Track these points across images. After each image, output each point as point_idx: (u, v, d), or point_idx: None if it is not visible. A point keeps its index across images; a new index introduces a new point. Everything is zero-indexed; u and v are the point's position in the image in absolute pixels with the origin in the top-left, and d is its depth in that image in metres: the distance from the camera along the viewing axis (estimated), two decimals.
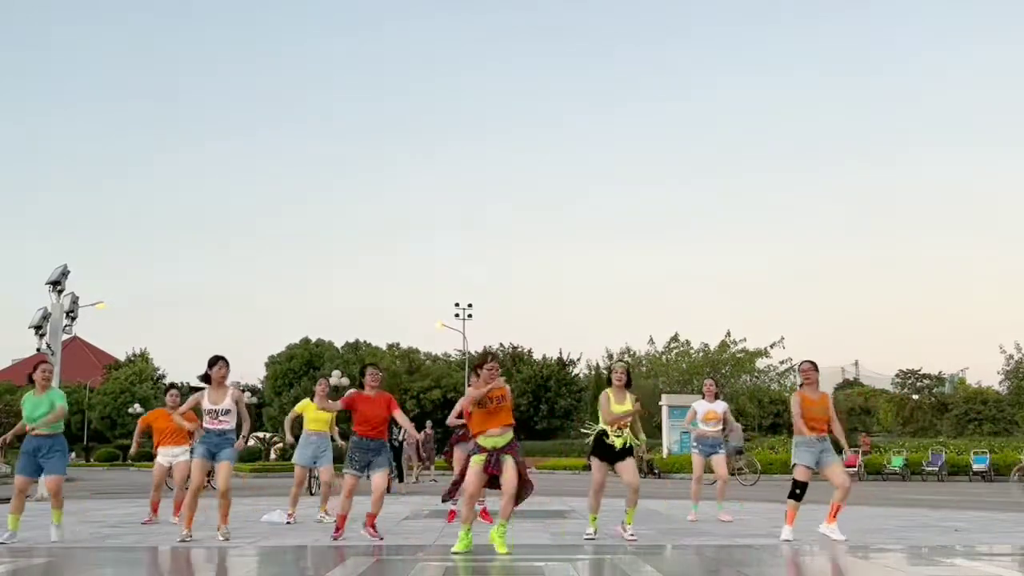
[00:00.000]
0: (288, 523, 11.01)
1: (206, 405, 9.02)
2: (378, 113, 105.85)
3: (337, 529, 8.98)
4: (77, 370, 68.81)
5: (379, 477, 8.86)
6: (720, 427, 11.40)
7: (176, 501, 11.26)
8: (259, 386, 69.47)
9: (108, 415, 67.92)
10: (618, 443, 8.79)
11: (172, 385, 11.79)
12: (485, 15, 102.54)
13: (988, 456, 28.64)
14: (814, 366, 9.18)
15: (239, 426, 9.09)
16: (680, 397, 35.72)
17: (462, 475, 8.17)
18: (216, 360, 9.12)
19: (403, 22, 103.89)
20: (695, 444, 11.62)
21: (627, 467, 8.79)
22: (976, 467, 28.36)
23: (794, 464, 9.04)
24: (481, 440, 7.97)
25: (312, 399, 11.33)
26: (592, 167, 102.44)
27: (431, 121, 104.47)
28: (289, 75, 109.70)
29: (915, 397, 51.33)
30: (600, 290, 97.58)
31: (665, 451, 34.08)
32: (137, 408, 65.74)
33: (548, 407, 53.72)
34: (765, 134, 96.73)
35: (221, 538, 8.91)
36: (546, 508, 11.22)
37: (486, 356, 8.42)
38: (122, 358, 75.58)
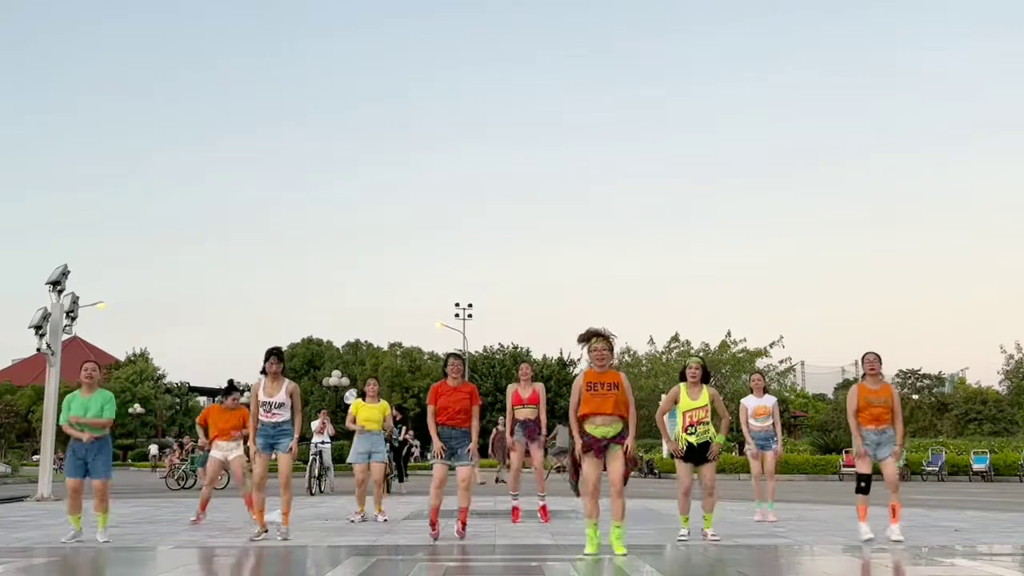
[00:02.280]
0: (352, 520, 11.09)
1: (261, 397, 9.01)
2: (378, 113, 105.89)
3: (432, 525, 8.79)
4: (77, 370, 68.56)
5: (464, 469, 8.72)
6: (770, 422, 11.29)
7: (245, 498, 11.20)
8: None
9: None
10: (693, 440, 8.63)
11: (233, 387, 11.72)
12: (485, 15, 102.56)
13: (988, 456, 28.64)
14: (879, 357, 9.08)
15: (293, 419, 9.09)
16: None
17: (574, 469, 7.91)
18: (270, 354, 9.10)
19: (403, 22, 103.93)
20: (751, 435, 11.45)
21: (706, 470, 8.69)
22: (976, 467, 28.36)
23: (848, 454, 8.94)
24: (589, 428, 7.60)
25: (364, 399, 11.58)
26: (592, 167, 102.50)
27: (431, 121, 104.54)
28: (289, 75, 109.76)
29: (915, 397, 51.37)
30: (600, 290, 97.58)
31: (665, 451, 34.07)
32: (137, 408, 65.82)
33: (548, 407, 53.60)
34: (765, 134, 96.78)
35: (280, 538, 8.86)
36: (550, 508, 11.21)
37: (591, 334, 7.74)
38: (122, 358, 75.55)
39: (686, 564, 7.56)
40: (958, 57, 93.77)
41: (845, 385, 71.49)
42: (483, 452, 20.07)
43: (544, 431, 10.74)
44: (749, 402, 11.51)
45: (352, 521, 11.12)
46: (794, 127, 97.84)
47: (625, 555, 7.44)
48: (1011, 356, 46.41)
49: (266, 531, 8.98)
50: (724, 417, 8.85)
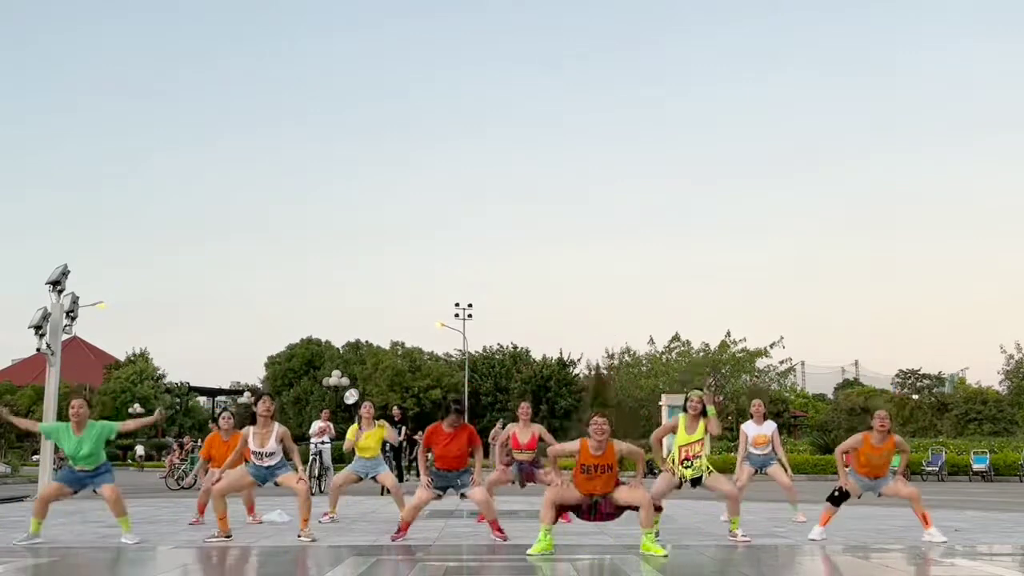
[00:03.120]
0: (320, 521, 11.07)
1: (252, 446, 9.08)
2: (378, 113, 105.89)
3: (400, 530, 8.86)
4: (77, 370, 68.81)
5: (472, 491, 8.78)
6: (769, 449, 11.28)
7: (246, 502, 11.29)
8: (259, 386, 69.44)
9: (108, 415, 67.85)
10: (688, 474, 8.65)
11: (224, 408, 11.81)
12: (485, 15, 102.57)
13: (988, 456, 28.63)
14: (890, 416, 9.05)
15: (287, 456, 9.24)
16: (680, 397, 35.70)
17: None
18: (261, 396, 9.29)
19: (403, 22, 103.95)
20: (747, 459, 11.42)
21: (714, 482, 8.69)
22: (976, 467, 28.35)
23: (844, 475, 8.94)
24: (579, 487, 7.87)
25: (359, 424, 11.37)
26: (592, 167, 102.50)
27: (431, 121, 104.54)
28: (289, 75, 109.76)
29: (915, 397, 51.38)
30: (600, 290, 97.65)
31: (665, 451, 34.06)
32: (137, 408, 65.81)
33: (548, 407, 53.68)
34: (765, 134, 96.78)
35: (308, 539, 8.85)
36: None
37: (595, 412, 8.01)
38: (122, 358, 75.53)
39: (686, 564, 7.56)
40: (958, 57, 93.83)
41: (845, 385, 71.59)
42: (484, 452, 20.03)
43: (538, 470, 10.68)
44: (749, 429, 11.43)
45: (320, 522, 10.89)
46: (794, 127, 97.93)
47: (666, 556, 7.54)
48: (1011, 356, 46.46)
49: (228, 536, 8.96)
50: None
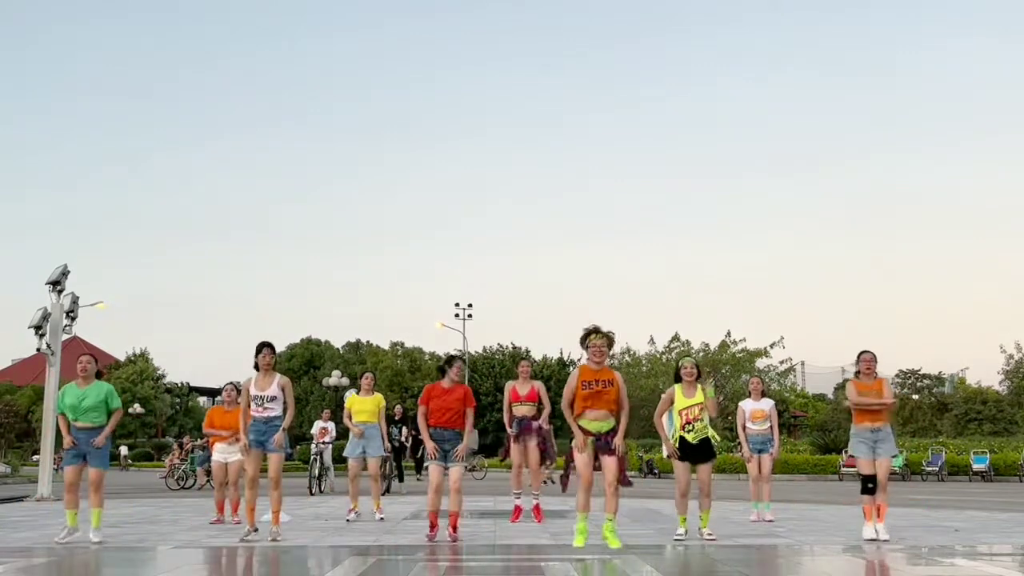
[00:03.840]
0: (348, 520, 11.10)
1: (252, 391, 9.00)
2: (378, 113, 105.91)
3: (432, 527, 8.77)
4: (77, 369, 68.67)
5: (454, 471, 8.64)
6: (767, 425, 11.30)
7: (233, 501, 11.16)
8: None
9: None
10: (691, 438, 8.68)
11: (231, 382, 11.77)
12: (485, 15, 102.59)
13: (988, 456, 28.63)
14: (875, 357, 9.23)
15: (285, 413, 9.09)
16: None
17: (568, 465, 8.10)
18: (262, 347, 9.10)
19: (403, 22, 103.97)
20: (747, 438, 11.46)
21: (702, 469, 8.75)
22: (976, 467, 28.36)
23: (851, 455, 9.01)
24: (583, 423, 7.88)
25: (358, 393, 11.74)
26: (592, 167, 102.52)
27: (431, 121, 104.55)
28: (289, 75, 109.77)
29: (915, 397, 51.37)
30: (600, 290, 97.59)
31: (665, 451, 34.02)
32: (137, 408, 65.81)
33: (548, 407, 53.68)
34: (765, 134, 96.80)
35: (270, 539, 8.77)
36: (546, 508, 11.21)
37: (590, 331, 7.94)
38: (122, 358, 75.53)
39: (685, 564, 7.56)
40: (958, 57, 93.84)
41: (845, 385, 71.54)
42: (494, 449, 20.03)
43: (544, 430, 10.71)
44: (747, 405, 11.52)
45: (348, 520, 11.09)
46: (794, 127, 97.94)
47: (620, 548, 7.54)
48: (1011, 356, 46.48)
49: (256, 530, 8.96)
50: (712, 411, 8.88)
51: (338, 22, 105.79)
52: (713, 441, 8.82)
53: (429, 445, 8.60)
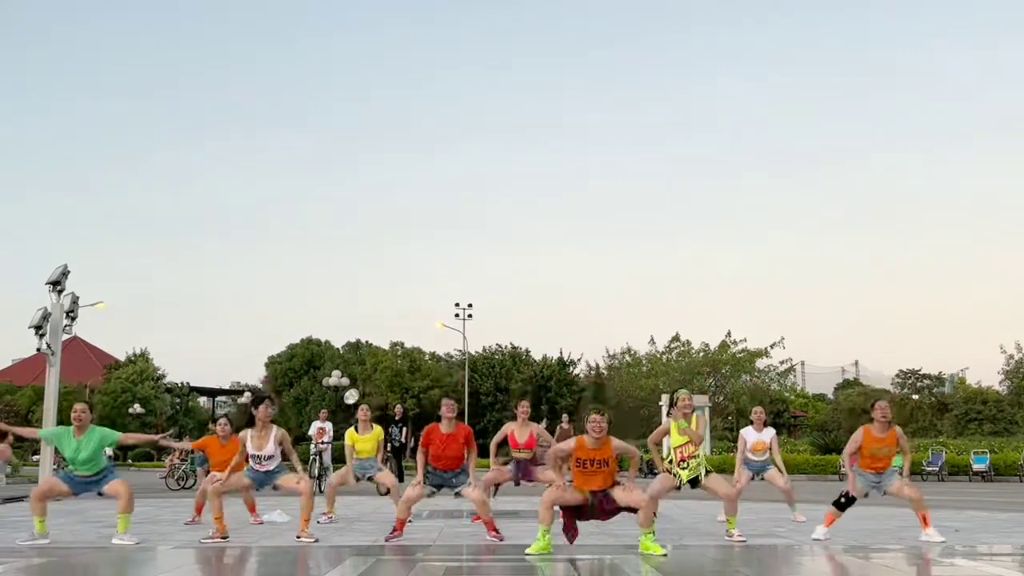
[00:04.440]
0: (319, 522, 11.04)
1: (249, 449, 9.08)
2: (378, 113, 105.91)
3: (394, 530, 8.85)
4: (77, 370, 68.76)
5: (468, 490, 8.78)
6: (767, 456, 11.32)
7: (248, 503, 11.26)
8: (259, 386, 69.43)
9: (108, 415, 67.95)
10: (684, 476, 8.66)
11: (225, 415, 11.83)
12: (485, 15, 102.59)
13: (988, 456, 28.62)
14: (891, 405, 9.02)
15: (285, 457, 9.27)
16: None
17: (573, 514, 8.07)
18: (260, 400, 9.26)
19: (403, 22, 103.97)
20: (744, 464, 11.43)
21: (712, 483, 8.68)
22: (976, 467, 28.34)
23: (853, 478, 8.93)
24: (576, 483, 7.88)
25: (355, 428, 11.40)
26: (592, 167, 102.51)
27: (431, 121, 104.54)
28: (289, 75, 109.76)
29: (915, 397, 51.37)
30: (600, 290, 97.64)
31: (665, 451, 34.05)
32: (137, 408, 65.80)
33: (548, 407, 53.70)
34: (765, 134, 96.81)
35: (312, 540, 8.80)
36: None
37: (592, 410, 7.89)
38: (122, 358, 75.52)
39: (686, 564, 7.56)
40: (958, 57, 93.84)
41: (845, 385, 71.53)
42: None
43: (538, 468, 10.63)
44: (749, 435, 11.46)
45: (320, 522, 10.84)
46: (794, 127, 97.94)
47: (665, 555, 7.53)
48: (1011, 356, 46.47)
49: (225, 537, 8.93)
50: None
51: (338, 22, 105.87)
52: (704, 472, 8.73)
53: (420, 475, 8.78)
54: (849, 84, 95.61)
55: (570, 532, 8.03)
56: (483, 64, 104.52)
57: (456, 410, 8.94)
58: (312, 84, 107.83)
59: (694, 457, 8.66)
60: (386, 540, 8.70)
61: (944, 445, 32.68)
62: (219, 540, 8.84)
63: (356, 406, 11.86)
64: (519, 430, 10.61)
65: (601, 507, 7.81)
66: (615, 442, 7.84)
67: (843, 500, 8.93)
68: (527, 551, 7.66)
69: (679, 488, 8.78)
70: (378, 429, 11.55)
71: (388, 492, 18.04)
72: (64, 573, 7.30)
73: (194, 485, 23.23)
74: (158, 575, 7.24)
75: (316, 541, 8.78)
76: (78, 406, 9.19)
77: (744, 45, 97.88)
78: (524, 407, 10.90)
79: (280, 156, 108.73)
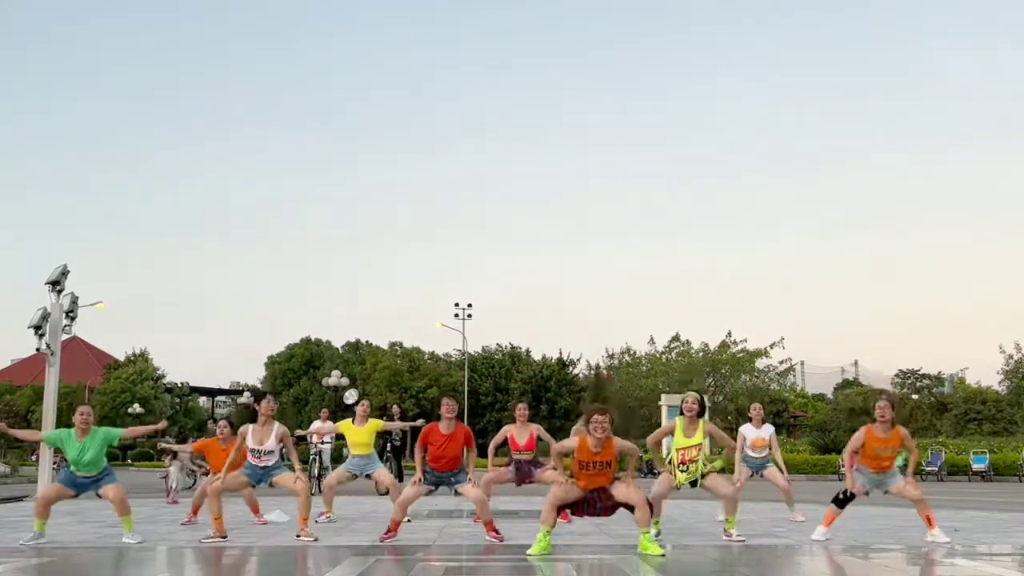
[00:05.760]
0: (317, 521, 11.00)
1: (250, 443, 9.11)
2: (378, 113, 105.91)
3: (389, 532, 8.80)
4: (77, 370, 68.75)
5: (467, 488, 8.75)
6: (766, 453, 11.35)
7: (251, 504, 11.26)
8: (259, 386, 69.39)
9: (108, 415, 67.92)
10: (683, 479, 8.62)
11: (225, 417, 11.86)
12: (485, 15, 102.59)
13: (987, 456, 28.63)
14: (891, 405, 8.93)
15: (284, 456, 9.29)
16: (680, 397, 35.71)
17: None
18: (262, 396, 9.28)
19: (403, 22, 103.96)
20: (743, 462, 11.45)
21: (712, 483, 8.64)
22: (976, 467, 28.35)
23: (851, 477, 8.90)
24: (579, 483, 7.83)
25: (353, 420, 11.39)
26: (592, 167, 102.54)
27: (431, 121, 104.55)
28: (289, 75, 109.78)
29: (915, 397, 51.38)
30: (600, 290, 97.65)
31: (664, 451, 34.03)
32: (137, 408, 65.78)
33: (548, 407, 53.70)
34: (765, 134, 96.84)
35: (311, 540, 8.82)
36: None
37: (595, 410, 7.79)
38: (122, 358, 75.52)
39: (686, 564, 7.56)
40: (958, 57, 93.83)
41: (845, 385, 71.51)
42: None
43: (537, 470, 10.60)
44: (748, 432, 11.50)
45: (317, 521, 10.80)
46: (794, 127, 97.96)
47: (663, 555, 7.53)
48: (1011, 356, 46.47)
49: (224, 537, 8.94)
50: (727, 447, 8.91)
51: (338, 22, 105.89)
52: (708, 471, 8.69)
53: (419, 473, 8.74)
54: (849, 84, 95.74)
55: (561, 518, 8.10)
56: (483, 64, 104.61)
57: (456, 410, 8.91)
58: (312, 84, 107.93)
59: (695, 461, 8.64)
60: (381, 540, 8.69)
61: (944, 445, 32.67)
62: (219, 540, 8.85)
63: (357, 405, 11.86)
64: (518, 432, 10.60)
65: (597, 503, 7.79)
66: (618, 443, 7.78)
67: (842, 497, 8.92)
68: (528, 552, 7.65)
69: (678, 488, 8.77)
70: (375, 422, 11.55)
71: (388, 492, 18.07)
72: (64, 573, 7.29)
73: (193, 485, 23.26)
74: (158, 575, 7.23)
75: (316, 540, 8.78)
76: (83, 409, 9.19)
77: (744, 45, 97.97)
78: (522, 409, 10.89)
79: (280, 156, 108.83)
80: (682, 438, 8.70)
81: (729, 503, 8.82)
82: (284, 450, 9.29)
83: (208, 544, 8.74)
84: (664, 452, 9.11)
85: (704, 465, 8.67)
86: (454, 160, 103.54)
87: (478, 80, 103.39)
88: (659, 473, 9.06)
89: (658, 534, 8.80)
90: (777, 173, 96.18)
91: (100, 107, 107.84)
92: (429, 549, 8.24)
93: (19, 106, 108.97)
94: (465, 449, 8.87)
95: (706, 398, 8.94)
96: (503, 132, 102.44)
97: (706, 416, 8.83)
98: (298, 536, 8.91)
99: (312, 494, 17.69)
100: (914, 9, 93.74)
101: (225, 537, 8.95)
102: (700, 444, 8.66)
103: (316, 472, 19.21)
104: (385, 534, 8.80)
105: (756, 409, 11.76)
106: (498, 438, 10.81)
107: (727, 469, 9.50)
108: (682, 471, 8.67)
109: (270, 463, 9.14)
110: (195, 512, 11.31)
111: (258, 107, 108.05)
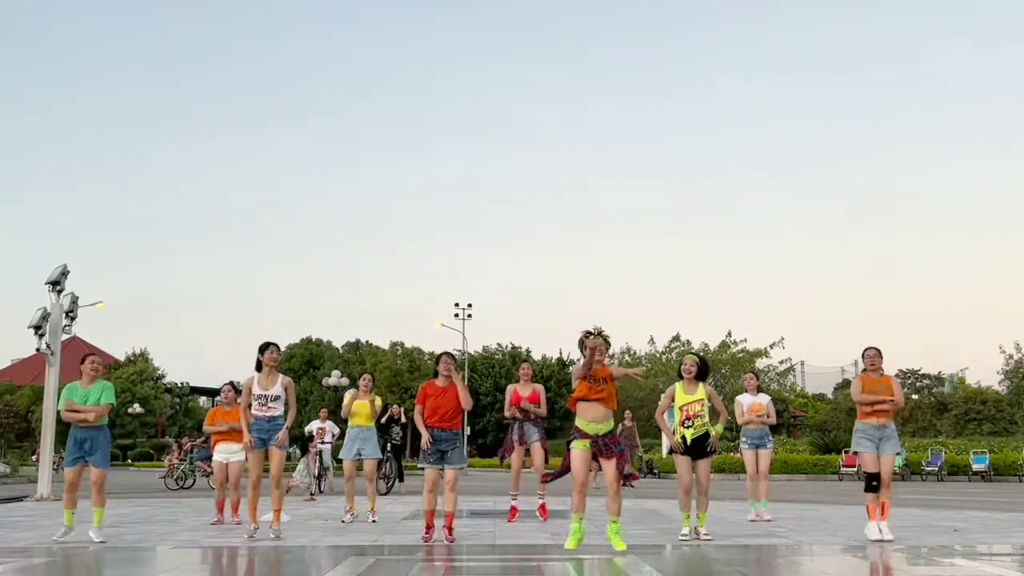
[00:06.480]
0: (344, 521, 11.06)
1: (256, 391, 9.03)
2: (378, 113, 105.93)
3: (427, 528, 8.68)
4: (77, 370, 68.38)
5: (451, 471, 8.63)
6: (765, 427, 11.39)
7: (233, 502, 11.17)
8: None
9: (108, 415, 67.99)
10: (689, 435, 8.59)
11: (230, 381, 11.88)
12: (485, 15, 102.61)
13: (987, 456, 28.62)
14: (879, 352, 9.05)
15: (287, 413, 9.13)
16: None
17: (566, 467, 7.99)
18: (267, 346, 9.17)
19: (403, 22, 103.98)
20: (743, 439, 11.55)
21: (700, 466, 8.65)
22: (976, 467, 28.34)
23: (855, 452, 8.90)
24: (580, 423, 7.72)
25: (356, 394, 11.57)
26: (592, 166, 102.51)
27: (431, 121, 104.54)
28: (289, 74, 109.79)
29: (915, 397, 51.37)
30: (600, 290, 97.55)
31: (665, 448, 34.03)
32: (137, 408, 65.80)
33: (548, 407, 53.71)
34: (765, 134, 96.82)
35: (272, 537, 8.83)
36: (550, 508, 11.20)
37: (587, 332, 7.82)
38: (122, 358, 75.53)
39: (686, 564, 7.56)
40: (959, 57, 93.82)
41: (845, 385, 71.45)
42: (493, 450, 20.06)
43: (543, 431, 10.75)
44: (744, 399, 11.62)
45: (344, 521, 11.01)
46: (794, 127, 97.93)
47: (625, 551, 7.48)
48: (1011, 356, 46.45)
49: (257, 528, 9.00)
50: (722, 412, 8.90)
51: (338, 22, 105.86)
52: (712, 433, 8.70)
53: (425, 437, 8.50)
54: (849, 84, 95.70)
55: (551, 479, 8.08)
56: (483, 64, 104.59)
57: (452, 368, 8.78)
58: (312, 84, 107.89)
59: (699, 416, 8.61)
60: (424, 540, 8.56)
61: (944, 445, 32.67)
62: (253, 533, 8.90)
63: (360, 379, 11.95)
64: (522, 388, 10.76)
65: (608, 444, 7.70)
66: (612, 370, 7.91)
67: (874, 484, 8.83)
68: (566, 545, 7.69)
69: (685, 451, 8.62)
70: (375, 398, 11.64)
71: (387, 492, 18.13)
72: (64, 573, 7.30)
73: (193, 485, 23.25)
74: (158, 575, 7.24)
75: (279, 538, 8.79)
76: (94, 357, 9.30)
77: (744, 45, 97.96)
78: (525, 368, 11.13)
79: (280, 156, 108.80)
80: (683, 396, 8.70)
81: (701, 498, 8.80)
82: (286, 407, 9.12)
83: (210, 544, 8.74)
84: (669, 425, 8.99)
85: (710, 424, 8.68)
86: (454, 160, 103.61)
87: (478, 80, 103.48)
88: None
89: (690, 532, 8.75)
90: (777, 173, 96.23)
91: (100, 107, 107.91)
92: (429, 549, 8.24)
93: (19, 106, 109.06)
94: (459, 406, 8.66)
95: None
96: (503, 132, 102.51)
97: (707, 379, 8.83)
98: (271, 527, 8.93)
99: (312, 494, 17.79)
100: (914, 9, 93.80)
101: (257, 528, 8.97)
102: (702, 399, 8.65)
103: (316, 472, 19.21)
104: (425, 534, 8.65)
105: (749, 378, 11.85)
106: (507, 399, 10.88)
107: (727, 438, 9.52)
108: (687, 427, 8.60)
109: (276, 412, 8.99)
110: (220, 510, 11.25)
111: (258, 107, 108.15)
